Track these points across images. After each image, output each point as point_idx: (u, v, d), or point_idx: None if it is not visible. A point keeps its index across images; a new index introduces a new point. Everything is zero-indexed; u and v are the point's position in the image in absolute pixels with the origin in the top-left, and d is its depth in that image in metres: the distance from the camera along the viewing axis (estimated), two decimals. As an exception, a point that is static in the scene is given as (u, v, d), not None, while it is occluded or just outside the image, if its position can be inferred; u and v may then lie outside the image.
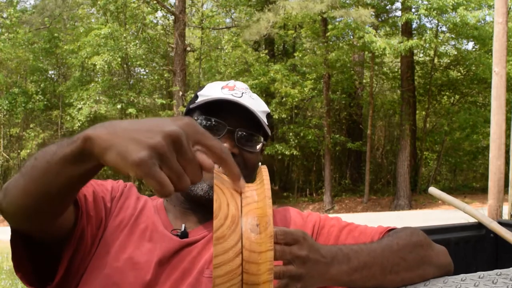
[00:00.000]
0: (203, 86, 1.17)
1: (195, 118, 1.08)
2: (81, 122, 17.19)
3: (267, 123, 1.12)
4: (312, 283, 0.80)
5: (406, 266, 0.93)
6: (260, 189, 0.73)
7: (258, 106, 1.11)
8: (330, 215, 1.16)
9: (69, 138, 0.73)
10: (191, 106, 1.11)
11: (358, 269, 0.86)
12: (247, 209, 0.70)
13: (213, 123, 1.05)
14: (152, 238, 1.02)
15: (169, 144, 0.64)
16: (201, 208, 1.06)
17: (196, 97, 1.13)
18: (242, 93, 1.10)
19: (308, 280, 0.79)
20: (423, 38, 16.76)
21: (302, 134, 18.57)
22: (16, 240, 0.90)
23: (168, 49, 19.74)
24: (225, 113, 1.05)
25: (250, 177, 1.10)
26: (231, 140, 1.05)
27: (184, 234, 1.03)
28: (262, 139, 1.11)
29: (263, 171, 0.79)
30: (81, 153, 0.70)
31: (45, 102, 19.18)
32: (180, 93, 16.65)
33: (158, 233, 1.03)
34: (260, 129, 1.09)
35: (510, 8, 12.15)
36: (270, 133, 1.12)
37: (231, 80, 1.16)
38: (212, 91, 1.11)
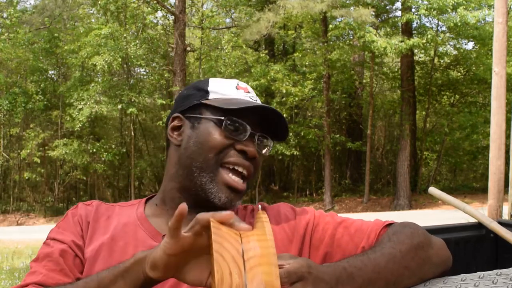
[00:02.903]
0: (206, 80, 1.11)
1: (216, 117, 1.03)
2: (82, 123, 17.18)
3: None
4: None
5: (409, 274, 0.92)
6: (264, 247, 0.68)
7: None
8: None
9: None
10: (203, 101, 1.05)
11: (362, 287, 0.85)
12: (252, 274, 0.65)
13: (237, 125, 1.02)
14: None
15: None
16: (199, 209, 1.04)
17: (206, 92, 1.07)
18: (256, 96, 1.10)
19: None
20: (424, 37, 16.78)
21: (302, 134, 18.57)
22: None
23: (168, 49, 19.74)
24: (246, 115, 1.03)
25: (254, 179, 1.10)
26: (253, 143, 1.04)
27: None
28: (271, 143, 1.10)
29: (265, 224, 0.72)
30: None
31: (45, 102, 19.18)
32: (180, 93, 16.64)
33: (146, 246, 0.98)
34: (270, 132, 1.08)
35: (510, 8, 12.15)
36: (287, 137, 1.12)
37: (236, 80, 1.13)
38: (227, 90, 1.08)
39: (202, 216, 0.73)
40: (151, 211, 1.08)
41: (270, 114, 1.04)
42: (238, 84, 1.10)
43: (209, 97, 1.06)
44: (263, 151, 1.08)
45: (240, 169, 1.02)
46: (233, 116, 1.02)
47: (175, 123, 1.09)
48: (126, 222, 1.05)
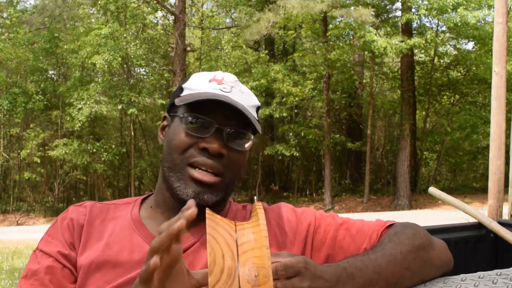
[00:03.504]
0: (188, 77, 1.07)
1: (181, 114, 0.99)
2: (81, 123, 17.19)
3: (257, 118, 1.05)
4: None
5: (410, 275, 0.91)
6: (257, 232, 0.70)
7: (248, 100, 1.03)
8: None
9: None
10: (175, 101, 1.01)
11: None
12: (244, 258, 0.67)
13: (200, 121, 0.97)
14: (133, 258, 0.96)
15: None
16: None
17: (181, 89, 1.04)
18: (231, 87, 1.02)
19: None
20: (425, 37, 16.77)
21: (302, 134, 18.57)
22: None
23: (168, 49, 19.75)
24: (213, 109, 0.96)
25: (237, 177, 1.03)
26: (220, 139, 0.96)
27: None
28: (252, 136, 1.02)
29: (259, 211, 0.73)
30: None
31: (45, 102, 19.18)
32: (180, 93, 16.63)
33: (142, 252, 0.96)
34: (249, 126, 1.01)
35: (510, 8, 12.15)
36: (260, 129, 1.03)
37: (219, 72, 1.07)
38: (199, 84, 1.02)
39: (153, 245, 0.69)
40: (146, 213, 1.05)
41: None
42: (214, 76, 1.04)
43: (181, 94, 1.02)
44: (245, 146, 1.00)
45: (204, 168, 0.96)
46: (196, 112, 0.97)
47: (164, 122, 1.08)
48: (121, 226, 1.02)
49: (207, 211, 0.71)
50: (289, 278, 0.75)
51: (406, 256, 0.92)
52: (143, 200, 1.10)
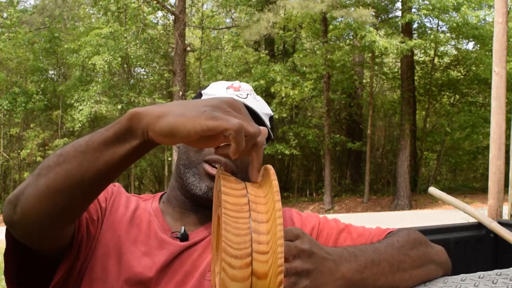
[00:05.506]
0: (208, 85, 1.17)
1: None
2: (82, 123, 17.22)
3: (269, 126, 1.13)
4: (322, 280, 0.77)
5: (412, 263, 0.93)
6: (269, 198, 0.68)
7: (262, 108, 1.11)
8: (330, 215, 1.17)
9: (106, 126, 0.73)
10: None
11: (367, 266, 0.85)
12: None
13: None
14: (149, 243, 1.01)
15: (228, 104, 0.67)
16: (201, 208, 1.05)
17: (200, 95, 1.14)
18: (247, 94, 1.10)
19: (318, 276, 0.77)
20: (427, 37, 16.76)
21: (302, 134, 18.55)
22: (13, 254, 0.87)
23: (168, 49, 19.74)
24: None
25: (247, 177, 1.10)
26: None
27: (184, 237, 1.02)
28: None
29: (271, 172, 0.72)
30: (127, 130, 0.70)
31: (45, 102, 19.18)
32: (180, 93, 16.64)
33: (157, 239, 1.01)
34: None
35: (510, 8, 12.16)
36: (272, 136, 1.12)
37: (237, 81, 1.16)
38: (217, 91, 1.11)
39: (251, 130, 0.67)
40: (163, 207, 1.12)
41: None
42: (232, 84, 1.13)
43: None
44: None
45: (217, 166, 1.02)
46: None
47: None
48: (142, 209, 1.08)
49: (221, 171, 0.72)
50: (290, 241, 0.78)
51: (402, 245, 0.94)
52: (161, 196, 1.16)
